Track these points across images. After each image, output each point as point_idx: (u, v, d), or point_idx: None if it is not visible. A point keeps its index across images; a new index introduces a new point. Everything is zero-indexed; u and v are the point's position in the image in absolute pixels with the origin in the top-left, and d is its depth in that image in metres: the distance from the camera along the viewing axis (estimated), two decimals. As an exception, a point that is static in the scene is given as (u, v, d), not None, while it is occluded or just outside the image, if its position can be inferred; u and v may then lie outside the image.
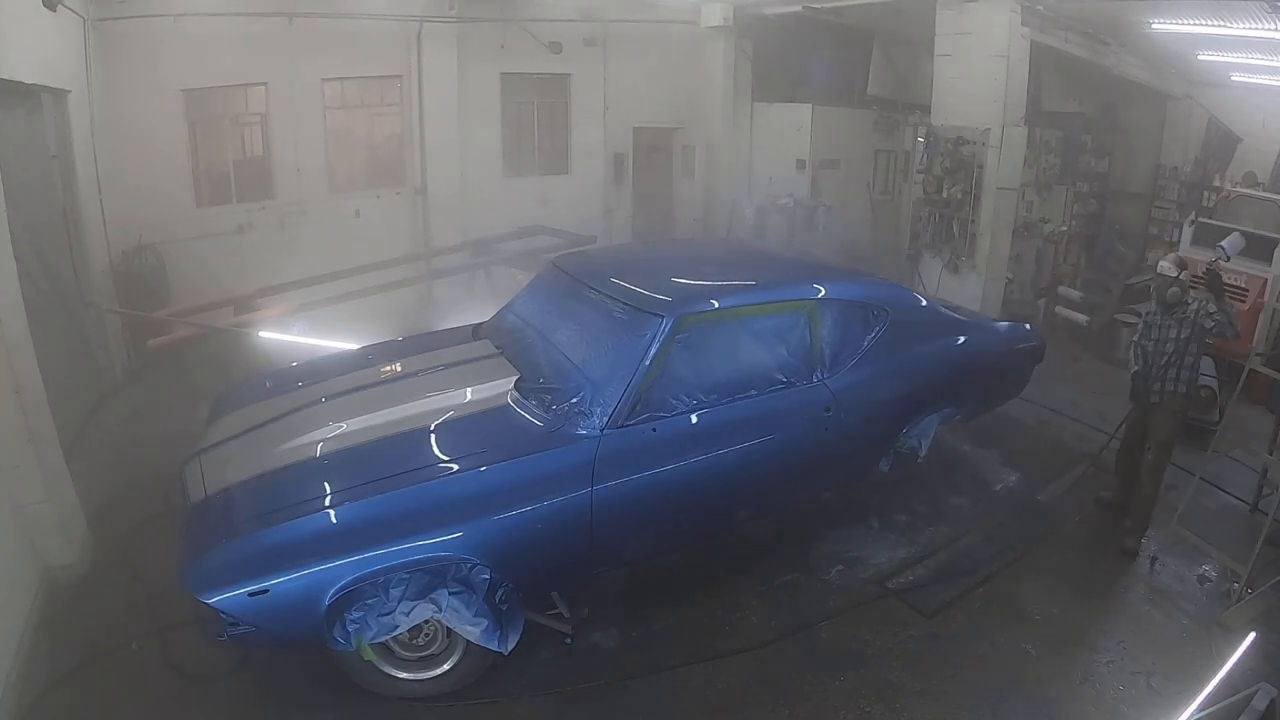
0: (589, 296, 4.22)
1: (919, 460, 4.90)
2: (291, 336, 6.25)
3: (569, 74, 9.90)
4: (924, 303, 5.04)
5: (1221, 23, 6.67)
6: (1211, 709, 2.99)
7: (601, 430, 3.53)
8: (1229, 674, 3.34)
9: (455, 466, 3.40)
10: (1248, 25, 6.55)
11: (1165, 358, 4.47)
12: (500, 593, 3.22)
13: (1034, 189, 9.31)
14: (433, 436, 3.63)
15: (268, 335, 6.22)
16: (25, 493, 3.80)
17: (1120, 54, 8.84)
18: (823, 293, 4.30)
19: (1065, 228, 9.32)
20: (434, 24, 8.57)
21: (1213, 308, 4.35)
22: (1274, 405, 5.04)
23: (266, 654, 3.52)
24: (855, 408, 4.22)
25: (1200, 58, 8.33)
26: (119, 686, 3.41)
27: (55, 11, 5.39)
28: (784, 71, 10.59)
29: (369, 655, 3.15)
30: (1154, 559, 4.46)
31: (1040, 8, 7.62)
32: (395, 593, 3.06)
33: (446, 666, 3.36)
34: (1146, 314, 4.75)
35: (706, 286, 4.30)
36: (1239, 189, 8.38)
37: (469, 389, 4.03)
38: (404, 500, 3.21)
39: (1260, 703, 2.73)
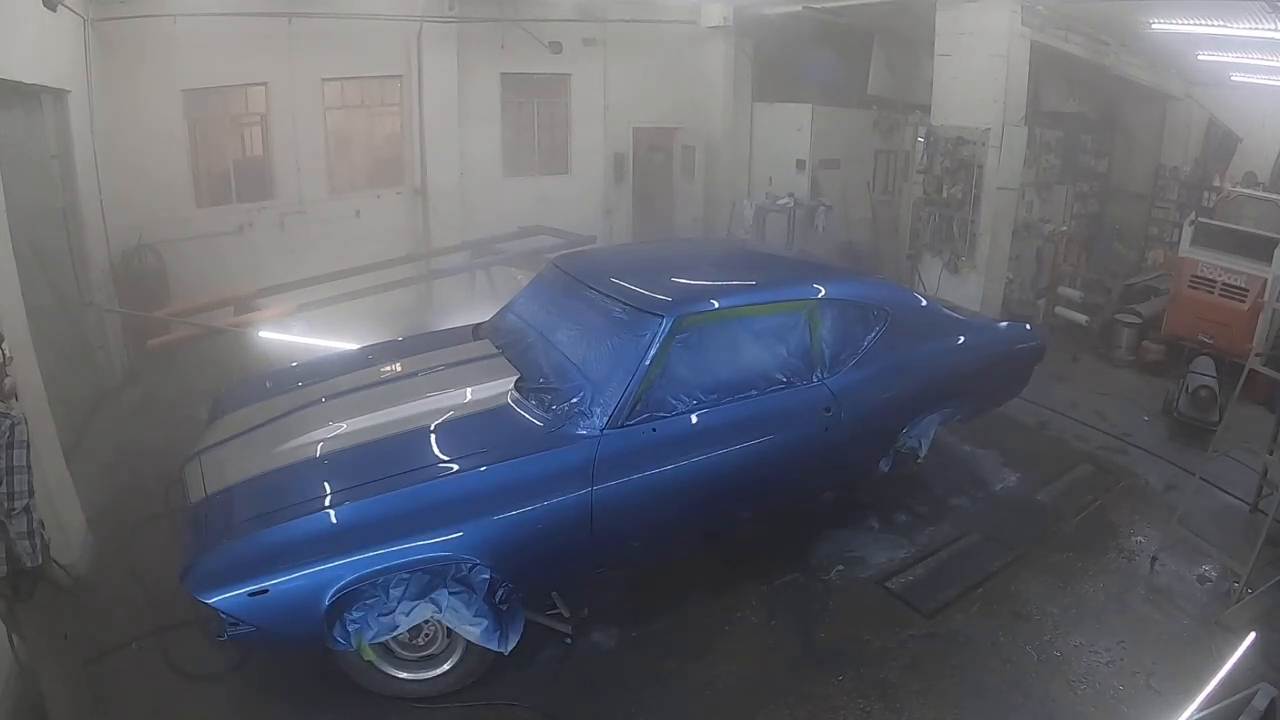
0: (589, 296, 4.22)
1: (919, 460, 4.90)
2: (291, 336, 6.24)
3: (569, 74, 9.90)
4: (924, 303, 5.05)
5: (1221, 23, 6.67)
6: (1211, 709, 2.99)
7: (601, 430, 3.53)
8: (1229, 674, 3.34)
9: (455, 466, 3.40)
10: (1248, 25, 6.54)
11: None
12: (500, 593, 3.23)
13: (1034, 189, 9.30)
14: (433, 436, 3.63)
15: (268, 335, 6.21)
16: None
17: (1120, 54, 8.82)
18: (823, 293, 4.31)
19: (1065, 228, 9.32)
20: (434, 24, 8.56)
21: None
22: (1274, 405, 5.04)
23: (266, 654, 3.52)
24: (855, 408, 4.22)
25: (1200, 58, 8.32)
26: (119, 686, 3.41)
27: (55, 11, 5.39)
28: (784, 71, 10.58)
29: (369, 655, 3.15)
30: (1154, 559, 4.46)
31: (1040, 8, 7.62)
32: (395, 593, 3.06)
33: (446, 666, 3.36)
34: None
35: (706, 286, 4.30)
36: (1239, 189, 8.38)
37: (469, 389, 4.03)
38: (404, 500, 3.21)
39: (1260, 703, 2.73)
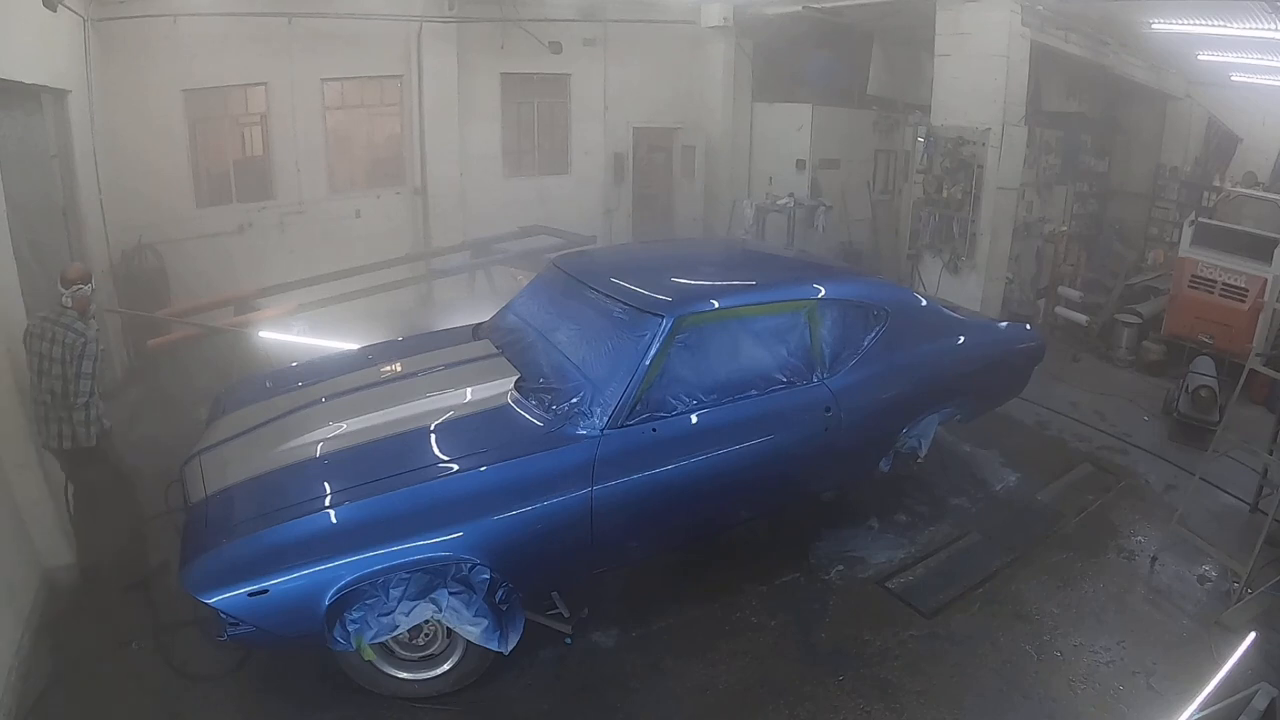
0: (589, 296, 4.22)
1: (919, 460, 4.91)
2: (291, 336, 6.24)
3: (569, 74, 9.90)
4: (924, 303, 5.04)
5: (1221, 23, 6.66)
6: (1211, 709, 3.00)
7: (601, 430, 3.53)
8: (1229, 674, 3.34)
9: (455, 466, 3.40)
10: (1248, 25, 6.54)
11: None
12: (500, 592, 3.23)
13: (1034, 189, 9.30)
14: (433, 436, 3.63)
15: (268, 335, 6.21)
16: (25, 492, 3.80)
17: (1120, 54, 8.83)
18: (823, 293, 4.30)
19: (1065, 228, 9.32)
20: (434, 24, 8.56)
21: None
22: (1274, 405, 5.04)
23: (267, 654, 3.52)
24: (855, 408, 4.22)
25: (1200, 58, 8.32)
26: (119, 686, 3.42)
27: (55, 11, 5.39)
28: (784, 71, 10.58)
29: (369, 655, 3.15)
30: (1154, 559, 4.46)
31: (1040, 8, 7.61)
32: (395, 593, 3.06)
33: (446, 666, 3.37)
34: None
35: (706, 286, 4.30)
36: (1239, 189, 8.38)
37: (469, 389, 4.03)
38: (404, 500, 3.21)
39: (1260, 703, 2.74)
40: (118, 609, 3.85)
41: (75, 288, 3.74)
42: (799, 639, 3.82)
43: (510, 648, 3.25)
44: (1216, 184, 9.21)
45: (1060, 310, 8.31)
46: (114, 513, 3.97)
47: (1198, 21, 6.83)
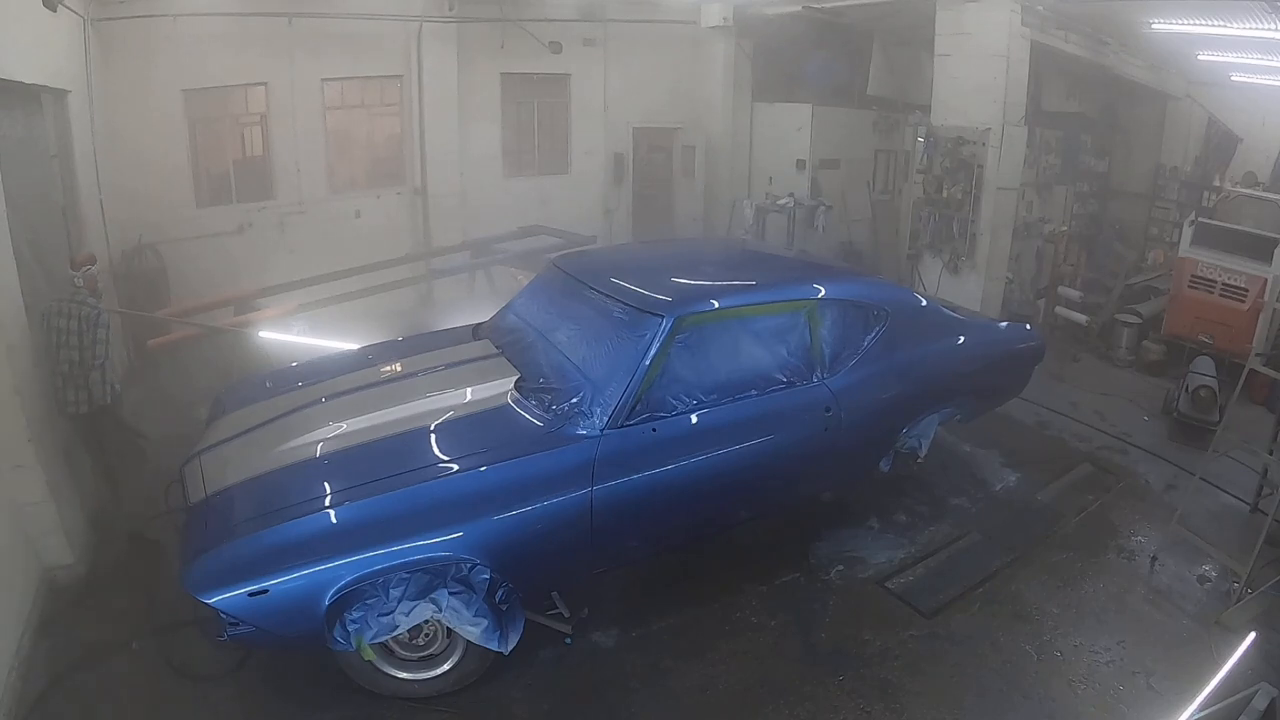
0: (589, 296, 4.22)
1: (919, 460, 4.91)
2: (291, 336, 6.24)
3: (569, 74, 9.90)
4: (924, 303, 5.04)
5: (1221, 23, 6.66)
6: (1211, 709, 3.00)
7: (601, 430, 3.53)
8: (1229, 674, 3.34)
9: (455, 466, 3.40)
10: (1248, 25, 6.54)
11: None
12: (500, 592, 3.23)
13: (1034, 189, 9.30)
14: (433, 436, 3.63)
15: (268, 335, 6.21)
16: (25, 493, 3.80)
17: (1120, 54, 8.83)
18: (823, 293, 4.30)
19: (1065, 228, 9.32)
20: (434, 24, 8.56)
21: None
22: (1274, 405, 5.04)
23: (267, 654, 3.52)
24: (855, 408, 4.22)
25: (1200, 58, 8.32)
26: (119, 686, 3.42)
27: (55, 11, 5.39)
28: (784, 71, 10.58)
29: (369, 655, 3.15)
30: (1154, 559, 4.46)
31: (1040, 8, 7.61)
32: (395, 593, 3.06)
33: (446, 666, 3.37)
34: None
35: (706, 286, 4.30)
36: (1239, 189, 8.38)
37: (469, 389, 4.03)
38: (404, 500, 3.21)
39: (1260, 703, 2.74)
40: (117, 609, 3.85)
41: (85, 269, 4.24)
42: (799, 639, 3.82)
43: (510, 648, 3.25)
44: (1216, 184, 9.21)
45: (1060, 310, 8.31)
46: (130, 467, 4.52)
47: (1198, 21, 6.83)
